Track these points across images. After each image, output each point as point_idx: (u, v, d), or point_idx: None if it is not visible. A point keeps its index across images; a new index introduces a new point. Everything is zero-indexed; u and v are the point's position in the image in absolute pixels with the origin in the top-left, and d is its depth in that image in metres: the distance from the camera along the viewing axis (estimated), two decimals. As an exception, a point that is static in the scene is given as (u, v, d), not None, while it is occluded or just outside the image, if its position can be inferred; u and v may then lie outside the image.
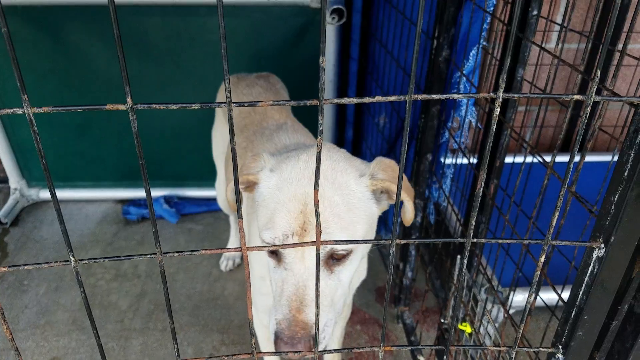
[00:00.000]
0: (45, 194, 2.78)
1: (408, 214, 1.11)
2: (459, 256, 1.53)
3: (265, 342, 1.64)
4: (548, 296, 1.84)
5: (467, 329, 1.49)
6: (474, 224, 0.64)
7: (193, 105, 0.52)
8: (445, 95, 0.55)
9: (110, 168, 2.74)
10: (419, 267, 2.31)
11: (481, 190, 0.62)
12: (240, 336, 2.06)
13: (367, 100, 0.53)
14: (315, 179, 0.60)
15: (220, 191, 2.22)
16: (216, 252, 0.67)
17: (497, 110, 0.56)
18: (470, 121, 1.59)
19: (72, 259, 0.62)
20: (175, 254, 0.66)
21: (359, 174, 1.07)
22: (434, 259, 2.13)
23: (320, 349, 0.97)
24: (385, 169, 1.08)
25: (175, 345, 0.72)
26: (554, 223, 0.65)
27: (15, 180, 2.71)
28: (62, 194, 2.77)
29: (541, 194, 1.21)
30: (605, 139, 3.10)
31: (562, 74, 2.91)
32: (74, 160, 2.70)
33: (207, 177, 2.72)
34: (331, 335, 1.22)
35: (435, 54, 1.56)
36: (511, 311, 1.64)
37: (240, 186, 1.16)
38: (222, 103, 0.52)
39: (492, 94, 0.55)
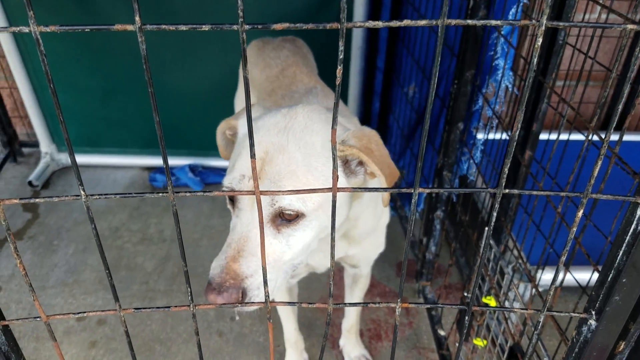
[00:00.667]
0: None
1: (383, 195, 1.06)
2: (487, 228, 1.47)
3: (281, 307, 1.63)
4: (578, 276, 1.77)
5: (492, 302, 1.44)
6: (506, 171, 0.60)
7: (203, 26, 0.49)
8: (482, 21, 0.50)
9: (136, 134, 2.76)
10: (443, 244, 2.26)
11: (517, 132, 0.57)
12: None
13: (394, 24, 0.49)
14: (333, 117, 0.56)
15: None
16: (227, 194, 0.64)
17: (540, 40, 0.51)
18: (506, 86, 1.51)
19: (82, 193, 0.61)
20: (187, 194, 0.64)
21: (329, 138, 1.01)
22: (459, 234, 2.07)
23: (248, 304, 0.91)
24: (361, 137, 1.01)
25: (189, 289, 0.70)
26: (595, 173, 0.60)
27: (45, 145, 2.76)
28: (89, 159, 2.81)
29: (579, 160, 1.15)
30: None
31: (607, 47, 2.76)
32: (101, 126, 2.73)
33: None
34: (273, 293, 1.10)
35: (471, 15, 1.48)
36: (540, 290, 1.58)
37: (228, 132, 1.16)
38: (233, 24, 0.48)
39: (534, 21, 0.50)
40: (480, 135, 1.74)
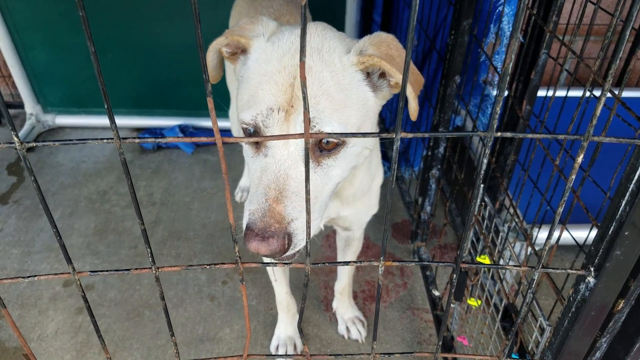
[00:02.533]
0: (61, 120, 2.74)
1: (410, 103, 0.92)
2: (481, 185, 1.41)
3: (272, 268, 1.59)
4: (576, 234, 1.72)
5: (486, 261, 1.39)
6: (498, 111, 0.53)
7: None
8: None
9: (125, 95, 2.67)
10: (438, 203, 2.20)
11: (510, 65, 0.50)
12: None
13: None
14: (300, 48, 0.48)
15: (234, 119, 2.12)
16: (186, 140, 0.57)
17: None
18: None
19: (16, 140, 0.54)
20: (136, 140, 0.57)
21: (346, 50, 0.91)
22: (455, 193, 2.01)
23: (293, 252, 0.87)
24: (379, 44, 0.90)
25: (149, 250, 0.64)
26: (597, 112, 0.53)
27: (30, 106, 2.67)
28: (77, 120, 2.73)
29: (579, 108, 1.07)
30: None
31: (609, 1, 2.63)
32: (89, 86, 2.64)
33: (223, 107, 2.62)
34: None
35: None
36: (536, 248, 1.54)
37: (226, 49, 1.01)
38: None
39: None
40: (493, 91, 1.65)
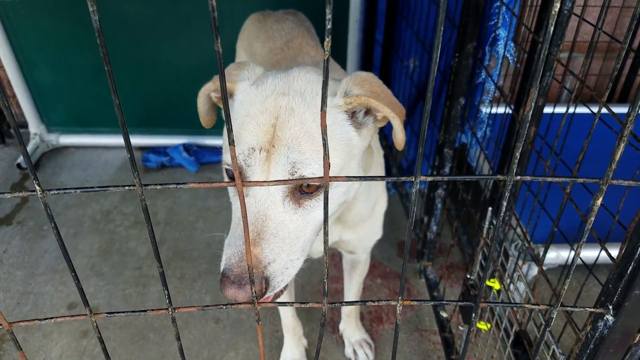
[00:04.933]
0: (65, 140, 2.74)
1: (398, 134, 0.93)
2: (490, 208, 1.41)
3: (286, 296, 1.58)
4: (584, 254, 1.71)
5: (496, 285, 1.39)
6: (518, 156, 0.53)
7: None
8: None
9: (129, 114, 2.67)
10: (444, 222, 2.20)
11: (530, 112, 0.50)
12: (258, 286, 2.01)
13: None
14: (322, 97, 0.49)
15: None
16: (205, 185, 0.58)
17: (557, 6, 0.43)
18: (507, 58, 1.43)
19: (38, 189, 0.54)
20: (158, 187, 0.57)
21: (330, 93, 0.92)
22: (461, 213, 2.01)
23: (271, 293, 0.86)
24: (362, 83, 0.91)
25: (166, 292, 0.64)
26: (617, 158, 0.53)
27: (34, 125, 2.67)
28: (80, 139, 2.73)
29: (589, 138, 1.07)
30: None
31: (609, 17, 2.65)
32: (92, 105, 2.64)
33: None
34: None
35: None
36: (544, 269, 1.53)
37: (214, 95, 1.03)
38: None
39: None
40: (484, 110, 1.66)
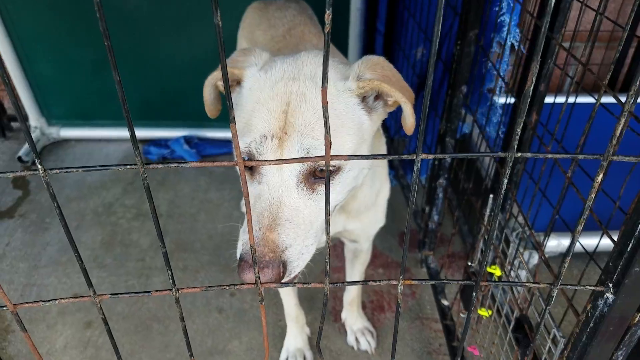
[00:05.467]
0: (66, 133, 2.74)
1: (408, 119, 0.94)
2: (491, 195, 1.41)
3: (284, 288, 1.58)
4: (585, 242, 1.71)
5: (497, 272, 1.39)
6: (519, 132, 0.53)
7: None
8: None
9: (130, 107, 2.66)
10: (445, 213, 2.20)
11: (531, 87, 0.50)
12: (260, 276, 2.02)
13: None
14: (323, 73, 0.49)
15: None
16: (208, 165, 0.58)
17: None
18: (512, 44, 1.43)
19: (40, 167, 0.54)
20: (160, 165, 0.58)
21: (342, 77, 0.92)
22: (462, 203, 2.01)
23: (287, 280, 0.86)
24: (374, 67, 0.91)
25: (169, 271, 0.64)
26: (617, 132, 0.53)
27: (34, 118, 2.68)
28: (81, 132, 2.73)
29: (590, 122, 1.07)
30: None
31: (612, 6, 2.64)
32: (93, 98, 2.64)
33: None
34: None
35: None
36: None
37: (220, 83, 1.02)
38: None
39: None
40: (497, 99, 1.65)
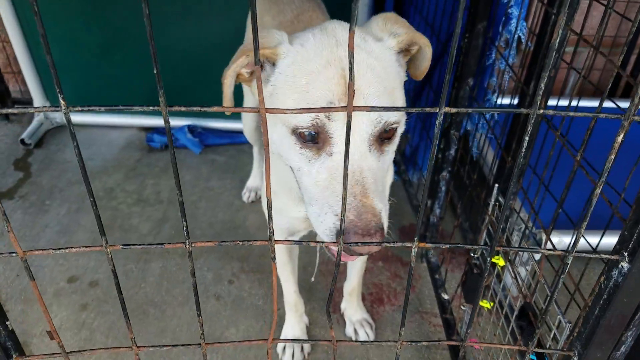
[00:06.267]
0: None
1: (426, 62, 0.98)
2: (496, 185, 1.41)
3: (282, 267, 1.57)
4: (584, 240, 1.71)
5: (500, 261, 1.38)
6: (543, 87, 0.53)
7: None
8: None
9: (134, 94, 2.67)
10: (447, 207, 2.20)
11: (557, 39, 0.50)
12: (259, 265, 2.01)
13: None
14: (352, 11, 0.49)
15: (247, 120, 2.12)
16: (230, 110, 0.57)
17: None
18: (519, 37, 1.43)
19: (62, 103, 0.54)
20: (182, 108, 0.57)
21: (375, 37, 0.94)
22: (464, 198, 2.01)
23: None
24: (397, 21, 0.95)
25: (184, 223, 0.64)
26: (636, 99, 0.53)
27: (39, 102, 2.67)
28: (84, 118, 2.73)
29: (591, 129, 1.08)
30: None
31: (613, 13, 2.66)
32: (98, 83, 2.64)
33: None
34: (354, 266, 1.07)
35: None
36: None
37: (246, 70, 0.97)
38: None
39: None
40: (494, 97, 1.66)
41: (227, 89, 0.96)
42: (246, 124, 2.15)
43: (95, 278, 1.93)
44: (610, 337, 0.73)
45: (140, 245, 0.68)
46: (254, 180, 2.38)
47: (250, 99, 1.91)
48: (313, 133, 0.88)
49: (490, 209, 1.42)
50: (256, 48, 0.49)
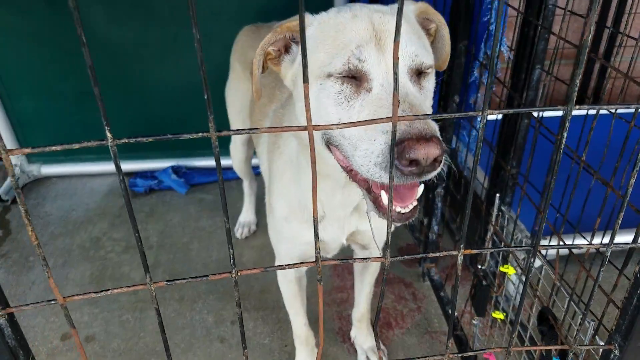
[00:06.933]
0: (47, 170, 2.66)
1: (446, 46, 1.04)
2: (497, 194, 1.44)
3: (291, 299, 1.55)
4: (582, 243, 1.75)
5: (510, 270, 1.40)
6: (577, 84, 0.54)
7: None
8: None
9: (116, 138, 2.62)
10: (443, 225, 2.21)
11: (589, 37, 0.52)
12: (261, 301, 1.97)
13: None
14: (398, 10, 0.49)
15: (236, 154, 2.11)
16: (269, 130, 0.57)
17: None
18: (501, 51, 1.49)
19: (109, 135, 0.52)
20: (231, 133, 0.56)
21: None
22: (457, 218, 2.04)
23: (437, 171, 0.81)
24: (428, 5, 1.02)
25: (231, 251, 0.62)
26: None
27: (15, 156, 2.58)
28: (64, 168, 2.66)
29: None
30: None
31: (575, 25, 2.81)
32: (75, 133, 2.59)
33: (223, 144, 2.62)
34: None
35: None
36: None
37: (273, 48, 0.99)
38: None
39: None
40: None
41: (256, 70, 0.98)
42: (235, 157, 2.14)
43: (90, 333, 1.84)
44: (653, 326, 0.74)
45: (185, 279, 0.66)
46: (246, 215, 2.35)
47: (234, 106, 1.92)
48: (344, 76, 0.87)
49: (493, 218, 1.44)
50: (306, 76, 0.49)
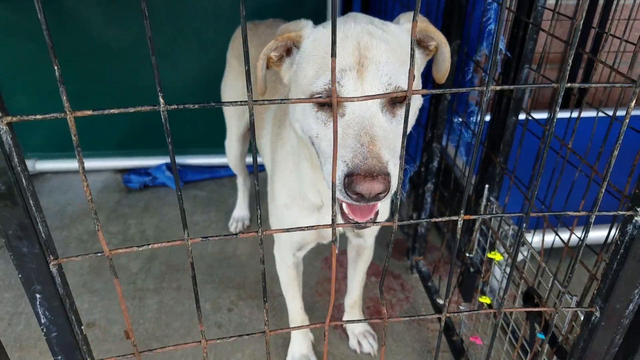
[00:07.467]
0: (42, 165, 2.68)
1: (446, 63, 1.06)
2: (487, 185, 1.53)
3: (288, 284, 1.61)
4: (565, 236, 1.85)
5: (497, 256, 1.49)
6: (570, 62, 0.63)
7: None
8: None
9: (109, 137, 2.67)
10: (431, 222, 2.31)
11: (582, 20, 0.61)
12: (257, 291, 2.03)
13: None
14: (415, 9, 0.58)
15: (231, 150, 2.17)
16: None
17: None
18: (500, 50, 1.58)
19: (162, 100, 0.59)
20: (266, 102, 0.63)
21: (394, 24, 1.04)
22: (450, 207, 2.13)
23: (388, 196, 0.88)
24: (409, 17, 1.06)
25: (259, 212, 0.69)
26: None
27: (9, 151, 2.60)
28: (58, 164, 2.68)
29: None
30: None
31: (560, 31, 2.94)
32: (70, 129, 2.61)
33: (210, 144, 2.68)
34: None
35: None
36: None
37: (274, 54, 1.06)
38: None
39: None
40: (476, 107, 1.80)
41: (259, 72, 1.06)
42: (230, 153, 2.20)
43: (91, 319, 1.88)
44: (629, 289, 0.83)
45: (217, 236, 0.73)
46: (240, 210, 2.41)
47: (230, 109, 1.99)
48: (323, 96, 0.95)
49: (482, 208, 1.54)
50: (334, 101, 0.57)
